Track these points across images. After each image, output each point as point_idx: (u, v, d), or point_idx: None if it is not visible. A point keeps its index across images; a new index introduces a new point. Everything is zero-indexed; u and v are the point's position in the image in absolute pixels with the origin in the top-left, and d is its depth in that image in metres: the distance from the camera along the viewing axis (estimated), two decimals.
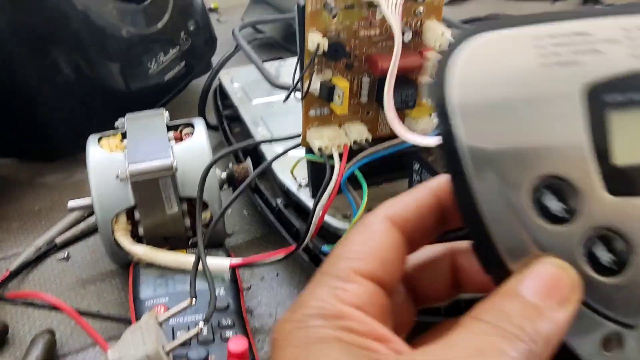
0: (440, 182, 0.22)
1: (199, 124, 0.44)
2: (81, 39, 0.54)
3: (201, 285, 0.35)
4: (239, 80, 0.61)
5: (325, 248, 0.38)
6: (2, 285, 0.43)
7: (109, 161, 0.40)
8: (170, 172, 0.39)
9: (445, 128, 0.19)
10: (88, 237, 0.48)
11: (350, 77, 0.37)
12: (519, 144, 0.19)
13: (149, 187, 0.39)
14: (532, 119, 0.19)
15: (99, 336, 0.37)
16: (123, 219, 0.40)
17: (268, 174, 0.47)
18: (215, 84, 0.63)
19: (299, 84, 0.36)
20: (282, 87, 0.46)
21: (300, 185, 0.43)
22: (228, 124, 0.58)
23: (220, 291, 0.37)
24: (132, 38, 0.56)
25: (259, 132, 0.51)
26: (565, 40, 0.20)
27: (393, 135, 0.35)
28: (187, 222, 0.42)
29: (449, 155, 0.19)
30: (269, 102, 0.55)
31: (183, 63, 0.62)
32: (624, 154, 0.19)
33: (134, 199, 0.39)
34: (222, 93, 0.62)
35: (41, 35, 0.52)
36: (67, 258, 0.46)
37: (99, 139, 0.43)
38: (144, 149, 0.40)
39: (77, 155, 0.57)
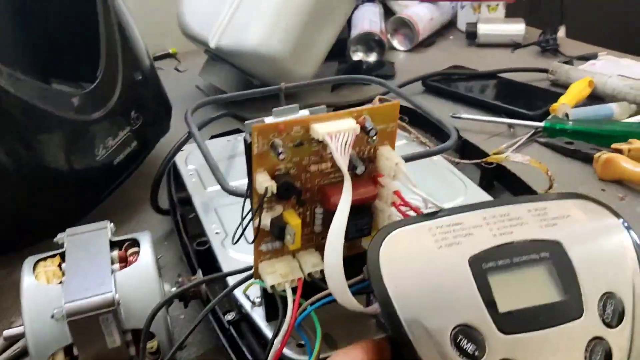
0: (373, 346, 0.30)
1: (145, 243, 0.41)
2: (16, 123, 0.50)
3: None
4: (193, 161, 0.58)
5: None
6: None
7: (45, 296, 0.37)
8: (111, 308, 0.36)
9: (386, 310, 0.29)
10: None
11: (303, 210, 0.34)
12: (438, 306, 0.28)
13: (88, 324, 0.36)
14: (443, 287, 0.29)
15: None
16: (60, 356, 0.37)
17: (219, 282, 0.45)
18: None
19: (248, 223, 0.33)
20: (236, 194, 0.43)
21: (253, 303, 0.41)
22: (181, 211, 0.55)
23: None
24: (76, 123, 0.53)
25: (212, 229, 0.49)
26: (449, 229, 0.31)
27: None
28: (132, 350, 0.39)
29: (392, 327, 0.28)
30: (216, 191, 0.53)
31: (134, 143, 0.59)
32: (504, 304, 0.29)
33: (71, 337, 0.36)
34: (175, 172, 0.59)
35: None
36: None
37: (35, 264, 0.40)
38: (83, 280, 0.37)
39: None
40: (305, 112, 0.39)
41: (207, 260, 0.47)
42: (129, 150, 0.58)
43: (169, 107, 0.67)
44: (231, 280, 0.41)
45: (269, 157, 0.32)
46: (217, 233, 0.48)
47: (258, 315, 0.40)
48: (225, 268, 0.44)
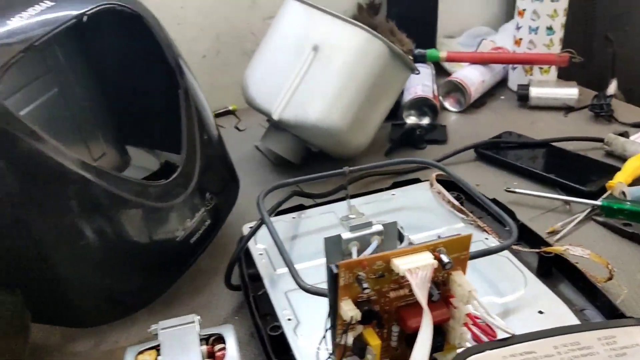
0: None
1: (230, 338, 0.45)
2: (103, 208, 0.55)
3: None
4: (263, 240, 0.62)
5: None
6: None
7: None
8: None
9: None
10: None
11: (381, 329, 0.38)
12: None
13: None
14: None
15: None
16: None
17: None
18: (238, 235, 0.65)
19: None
20: (316, 293, 0.47)
21: None
22: (252, 291, 0.59)
23: None
24: (157, 209, 0.58)
25: (284, 315, 0.53)
26: (522, 357, 0.34)
27: None
28: None
29: None
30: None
31: (209, 222, 0.63)
32: None
33: None
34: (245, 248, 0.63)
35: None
36: None
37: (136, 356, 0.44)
38: None
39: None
40: (378, 227, 0.43)
41: (279, 344, 0.51)
42: (204, 228, 0.63)
43: (237, 179, 0.72)
44: None
45: (353, 287, 0.36)
46: (289, 320, 0.52)
47: None
48: (298, 356, 0.48)
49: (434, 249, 0.36)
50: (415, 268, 0.34)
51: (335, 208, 0.67)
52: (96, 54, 0.71)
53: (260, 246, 0.62)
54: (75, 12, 0.54)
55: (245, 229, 0.64)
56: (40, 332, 0.60)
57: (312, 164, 0.86)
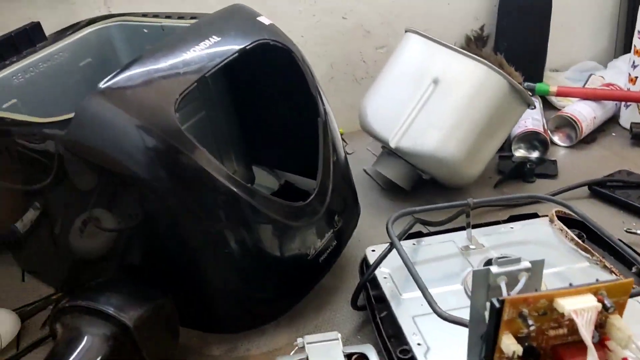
0: None
1: (373, 357, 0.48)
2: (248, 222, 0.59)
3: None
4: (387, 265, 0.65)
5: None
6: None
7: None
8: None
9: None
10: None
11: None
12: None
13: None
14: None
15: None
16: None
17: None
18: (359, 255, 0.68)
19: None
20: (455, 322, 0.49)
21: None
22: (379, 312, 0.61)
23: None
24: (292, 228, 0.62)
25: (414, 340, 0.55)
26: None
27: None
28: None
29: None
30: (419, 297, 0.59)
31: (335, 243, 0.67)
32: None
33: None
34: (367, 266, 0.66)
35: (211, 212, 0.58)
36: None
37: None
38: None
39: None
40: (526, 263, 0.45)
41: None
42: (331, 249, 0.67)
43: (358, 203, 0.75)
44: None
45: (515, 323, 0.38)
46: (418, 344, 0.54)
47: None
48: None
49: (595, 291, 0.38)
50: (581, 309, 0.36)
51: (454, 237, 0.69)
52: (240, 81, 0.78)
53: (384, 270, 0.65)
54: (237, 47, 0.60)
55: (368, 252, 0.67)
56: (182, 336, 0.65)
57: (419, 191, 0.89)
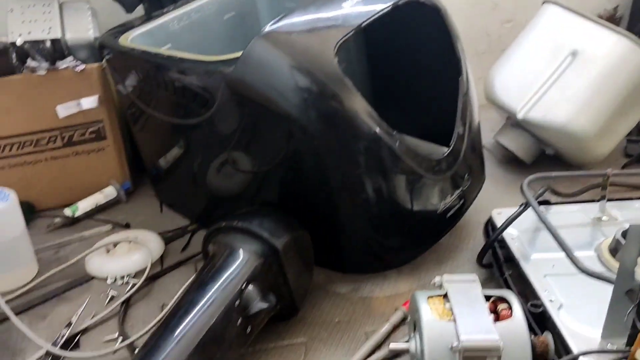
0: None
1: (514, 302, 0.50)
2: (388, 173, 0.62)
3: None
4: (515, 226, 0.66)
5: None
6: None
7: (442, 330, 0.48)
8: (497, 354, 0.46)
9: None
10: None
11: None
12: None
13: (474, 358, 0.46)
14: None
15: None
16: None
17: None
18: (476, 219, 0.70)
19: None
20: (600, 278, 0.50)
21: None
22: (507, 270, 0.63)
23: None
24: (430, 181, 0.64)
25: (545, 296, 0.56)
26: None
27: None
28: None
29: None
30: (550, 259, 0.60)
31: (461, 202, 0.69)
32: None
33: None
34: (493, 227, 0.67)
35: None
36: None
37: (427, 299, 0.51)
38: (471, 323, 0.47)
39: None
40: None
41: (539, 321, 0.54)
42: (457, 207, 0.69)
43: (484, 166, 0.76)
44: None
45: None
46: (551, 300, 0.55)
47: None
48: (566, 334, 0.51)
49: None
50: None
51: (585, 208, 0.69)
52: (377, 40, 0.80)
53: (512, 231, 0.66)
54: (391, 1, 0.62)
55: (494, 214, 0.68)
56: None
57: (539, 165, 0.88)
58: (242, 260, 0.55)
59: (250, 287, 0.55)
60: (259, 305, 0.55)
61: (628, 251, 0.46)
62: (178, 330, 0.50)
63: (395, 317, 0.61)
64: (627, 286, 0.47)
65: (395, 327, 0.60)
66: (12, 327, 0.64)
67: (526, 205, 0.62)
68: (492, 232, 0.67)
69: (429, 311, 0.50)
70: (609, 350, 0.47)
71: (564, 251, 0.53)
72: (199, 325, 0.51)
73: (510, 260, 0.63)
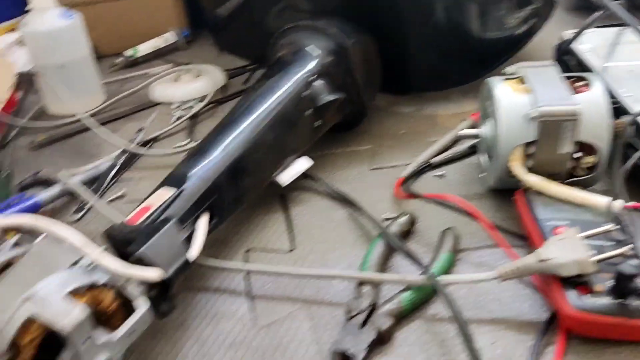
0: None
1: (595, 80, 0.48)
2: None
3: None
4: (589, 40, 0.63)
5: None
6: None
7: (517, 100, 0.47)
8: (574, 117, 0.45)
9: None
10: (460, 161, 0.57)
11: None
12: None
13: (552, 126, 0.45)
14: None
15: (502, 239, 0.45)
16: (519, 151, 0.47)
17: None
18: (552, 41, 0.67)
19: None
20: None
21: None
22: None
23: None
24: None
25: (622, 93, 0.54)
26: None
27: None
28: (569, 163, 0.47)
29: None
30: (627, 65, 0.58)
31: (533, 20, 0.66)
32: None
33: (535, 135, 0.46)
34: (567, 51, 0.65)
35: None
36: (443, 176, 0.55)
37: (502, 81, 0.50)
38: (549, 94, 0.46)
39: (424, 92, 0.67)
40: None
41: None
42: (526, 26, 0.66)
43: None
44: None
45: None
46: (629, 95, 0.53)
47: None
48: None
49: None
50: None
51: None
52: None
53: (585, 46, 0.63)
54: None
55: (566, 34, 0.66)
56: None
57: None
58: (311, 55, 0.55)
59: (319, 81, 0.55)
60: (327, 97, 0.55)
61: None
62: (251, 111, 0.51)
63: (463, 125, 0.60)
64: None
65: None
66: (84, 137, 0.67)
67: (604, 8, 0.59)
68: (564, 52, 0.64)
69: (504, 86, 0.49)
70: None
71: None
72: (270, 107, 0.51)
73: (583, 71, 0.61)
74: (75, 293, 0.32)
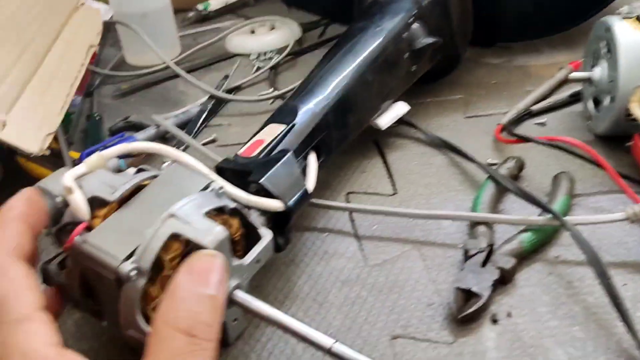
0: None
1: None
2: None
3: None
4: None
5: None
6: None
7: (637, 39, 0.45)
8: None
9: None
10: (560, 109, 0.54)
11: None
12: None
13: None
14: None
15: (625, 184, 0.43)
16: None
17: None
18: None
19: None
20: None
21: None
22: None
23: None
24: None
25: None
26: None
27: None
28: None
29: None
30: None
31: None
32: None
33: None
34: None
35: None
36: (543, 124, 0.53)
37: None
38: None
39: (511, 43, 0.64)
40: None
41: None
42: None
43: None
44: None
45: None
46: None
47: None
48: None
49: None
50: None
51: None
52: None
53: None
54: None
55: None
56: None
57: None
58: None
59: (417, 24, 0.53)
60: (425, 40, 0.53)
61: None
62: (355, 50, 0.49)
63: (562, 73, 0.58)
64: None
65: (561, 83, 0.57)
66: (167, 86, 0.67)
67: None
68: None
69: (623, 24, 0.46)
70: None
71: None
72: (374, 47, 0.50)
73: None
74: (209, 215, 0.31)
